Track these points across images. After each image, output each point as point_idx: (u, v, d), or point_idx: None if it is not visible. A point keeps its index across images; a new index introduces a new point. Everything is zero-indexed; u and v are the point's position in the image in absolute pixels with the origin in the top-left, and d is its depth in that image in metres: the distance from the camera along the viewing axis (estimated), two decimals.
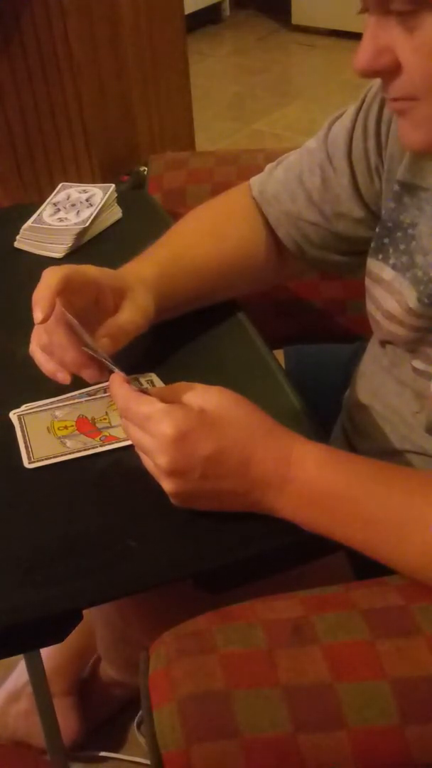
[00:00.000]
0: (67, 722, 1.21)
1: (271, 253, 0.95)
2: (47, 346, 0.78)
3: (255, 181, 0.96)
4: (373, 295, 0.83)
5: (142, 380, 0.81)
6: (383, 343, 0.85)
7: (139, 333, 0.81)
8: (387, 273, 0.79)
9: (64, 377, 0.77)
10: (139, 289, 0.82)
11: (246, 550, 0.68)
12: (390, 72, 0.64)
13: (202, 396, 0.67)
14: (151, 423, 0.65)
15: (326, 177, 0.88)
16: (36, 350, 0.79)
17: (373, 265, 0.82)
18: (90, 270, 0.80)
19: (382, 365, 0.87)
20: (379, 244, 0.81)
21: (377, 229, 0.82)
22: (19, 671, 1.26)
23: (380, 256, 0.81)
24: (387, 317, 0.80)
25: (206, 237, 0.92)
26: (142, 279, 0.83)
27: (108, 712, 1.28)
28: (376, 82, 0.82)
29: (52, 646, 1.23)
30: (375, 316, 0.83)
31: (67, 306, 0.75)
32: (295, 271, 1.02)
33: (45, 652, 1.22)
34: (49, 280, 0.75)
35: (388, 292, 0.79)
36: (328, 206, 0.89)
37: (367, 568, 0.65)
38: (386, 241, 0.80)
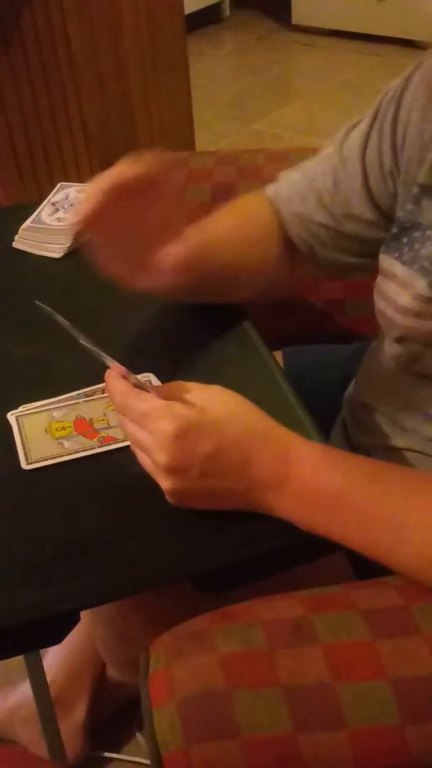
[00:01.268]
0: (72, 743, 1.20)
1: (285, 256, 0.95)
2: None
3: (270, 185, 0.96)
4: (384, 292, 0.82)
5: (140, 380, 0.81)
6: (399, 339, 0.85)
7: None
8: (398, 268, 0.79)
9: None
10: None
11: (245, 551, 0.67)
12: None
13: (201, 394, 0.67)
14: (150, 420, 0.64)
15: (338, 179, 0.88)
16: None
17: (386, 261, 0.82)
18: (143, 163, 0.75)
19: (399, 363, 0.86)
20: (396, 243, 0.81)
21: (394, 230, 0.82)
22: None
23: (396, 255, 0.81)
24: (401, 312, 0.80)
25: (228, 234, 0.92)
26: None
27: (110, 713, 1.28)
28: (392, 85, 0.82)
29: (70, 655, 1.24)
30: (386, 312, 0.82)
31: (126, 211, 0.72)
32: (307, 274, 1.01)
33: (58, 663, 1.22)
34: (101, 183, 0.72)
35: (400, 287, 0.79)
36: (338, 208, 0.88)
37: (367, 568, 0.65)
38: (405, 240, 0.80)
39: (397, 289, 0.80)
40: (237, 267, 0.90)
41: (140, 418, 0.65)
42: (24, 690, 1.24)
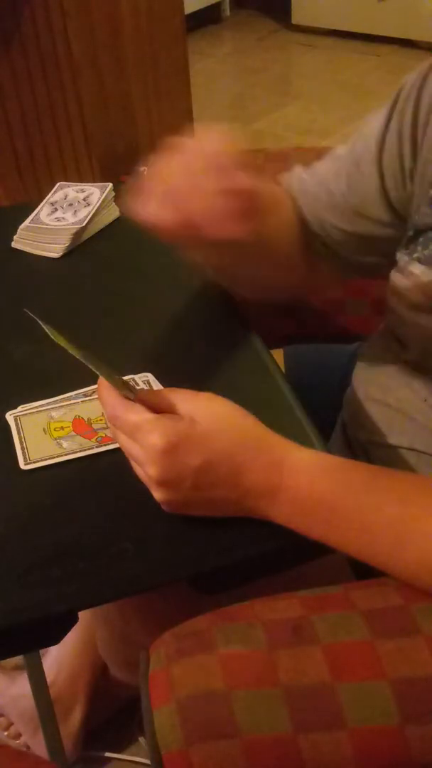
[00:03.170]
0: (68, 745, 1.20)
1: (302, 253, 0.93)
2: (172, 193, 0.67)
3: (282, 179, 0.94)
4: (396, 288, 0.82)
5: (138, 380, 0.81)
6: (404, 336, 0.84)
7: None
8: (416, 267, 0.79)
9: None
10: None
11: (243, 552, 0.67)
12: None
13: (190, 405, 0.66)
14: (140, 433, 0.64)
15: (352, 182, 0.86)
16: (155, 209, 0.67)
17: (403, 260, 0.81)
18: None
19: (394, 354, 0.86)
20: (413, 245, 0.80)
21: (410, 233, 0.81)
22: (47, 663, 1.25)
23: (415, 255, 0.80)
24: (413, 309, 0.79)
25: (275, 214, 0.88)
26: None
27: (110, 713, 1.28)
28: (407, 82, 0.81)
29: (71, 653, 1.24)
30: (397, 309, 0.82)
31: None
32: (322, 273, 0.99)
33: (56, 669, 1.23)
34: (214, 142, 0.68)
35: (415, 285, 0.79)
36: (352, 210, 0.87)
37: (367, 568, 0.65)
38: (421, 239, 0.80)
39: (410, 286, 0.79)
40: (280, 248, 0.88)
41: (131, 430, 0.65)
42: (23, 683, 1.24)
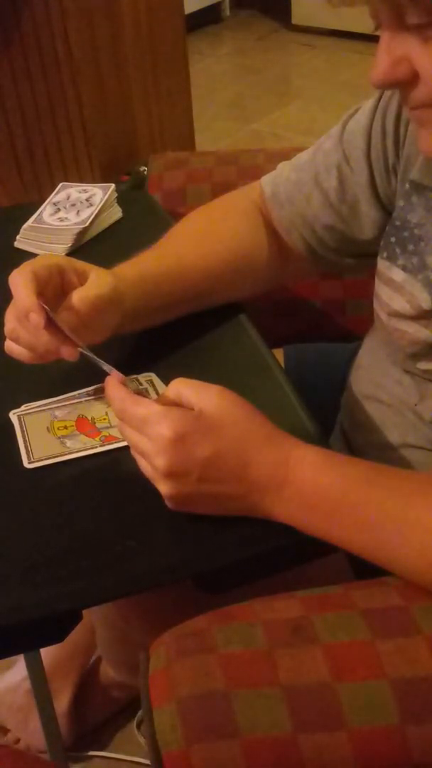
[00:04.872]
0: (60, 723, 1.21)
1: (273, 255, 0.94)
2: (14, 331, 0.77)
3: (267, 182, 0.95)
4: (379, 296, 0.82)
5: (142, 380, 0.81)
6: (389, 342, 0.85)
7: (104, 305, 0.79)
8: (397, 274, 0.79)
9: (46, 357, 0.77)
10: (103, 271, 0.81)
11: (246, 551, 0.68)
12: (408, 82, 0.64)
13: (200, 397, 0.66)
14: (148, 425, 0.64)
15: (343, 177, 0.86)
16: (11, 345, 0.78)
17: (382, 264, 0.82)
18: (49, 256, 0.82)
19: (386, 353, 0.86)
20: (387, 243, 0.81)
21: (387, 228, 0.82)
22: (20, 666, 1.26)
23: (385, 254, 0.81)
24: (394, 316, 0.80)
25: (198, 239, 0.92)
26: (116, 275, 0.82)
27: (107, 714, 1.28)
28: None
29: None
30: (380, 315, 0.83)
31: (40, 298, 0.75)
32: (298, 272, 1.01)
33: (44, 650, 1.22)
34: (24, 284, 0.75)
35: (398, 293, 0.79)
36: (345, 207, 0.87)
37: (367, 568, 0.65)
38: (393, 239, 0.80)
39: (393, 294, 0.80)
40: (207, 273, 0.90)
41: (139, 423, 0.66)
42: (9, 678, 1.25)
